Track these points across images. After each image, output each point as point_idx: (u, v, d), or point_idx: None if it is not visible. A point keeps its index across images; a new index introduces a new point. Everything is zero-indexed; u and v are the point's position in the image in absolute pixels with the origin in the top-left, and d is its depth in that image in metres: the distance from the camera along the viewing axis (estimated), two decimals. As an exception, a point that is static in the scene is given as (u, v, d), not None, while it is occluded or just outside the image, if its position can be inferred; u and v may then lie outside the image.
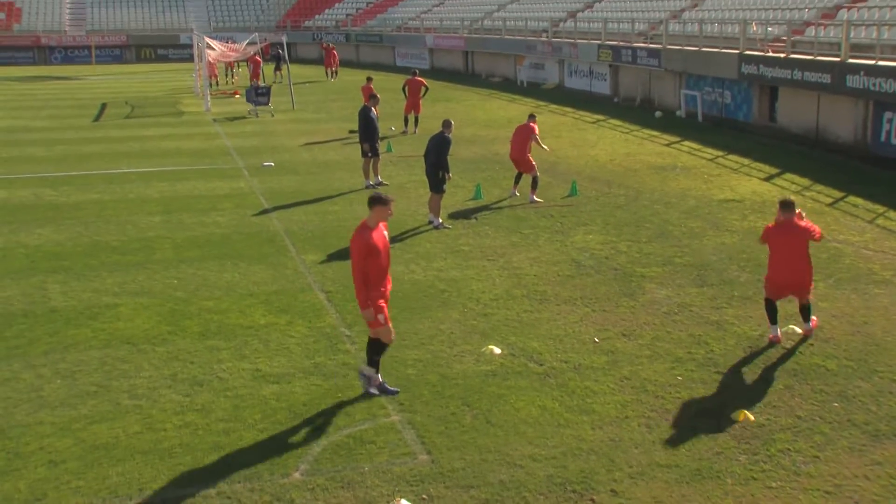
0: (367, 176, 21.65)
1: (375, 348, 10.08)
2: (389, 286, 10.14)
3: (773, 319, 11.39)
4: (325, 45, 57.96)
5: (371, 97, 21.86)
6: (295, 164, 24.67)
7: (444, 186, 17.57)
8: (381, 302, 9.83)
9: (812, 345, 11.21)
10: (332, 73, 53.03)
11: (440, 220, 17.57)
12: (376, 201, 9.80)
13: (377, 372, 10.08)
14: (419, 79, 30.54)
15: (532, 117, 20.33)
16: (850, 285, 13.55)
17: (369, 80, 28.39)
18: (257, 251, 16.00)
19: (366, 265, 9.64)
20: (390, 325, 10.00)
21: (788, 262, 11.21)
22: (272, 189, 21.38)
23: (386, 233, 9.98)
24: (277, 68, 52.24)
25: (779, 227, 11.30)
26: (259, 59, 46.39)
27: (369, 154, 21.30)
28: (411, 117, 30.46)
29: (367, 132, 21.08)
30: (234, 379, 10.49)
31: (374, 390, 9.99)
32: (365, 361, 10.27)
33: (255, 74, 46.51)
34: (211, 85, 49.06)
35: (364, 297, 9.71)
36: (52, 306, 13.12)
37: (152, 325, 12.34)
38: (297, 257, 15.57)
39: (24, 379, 10.55)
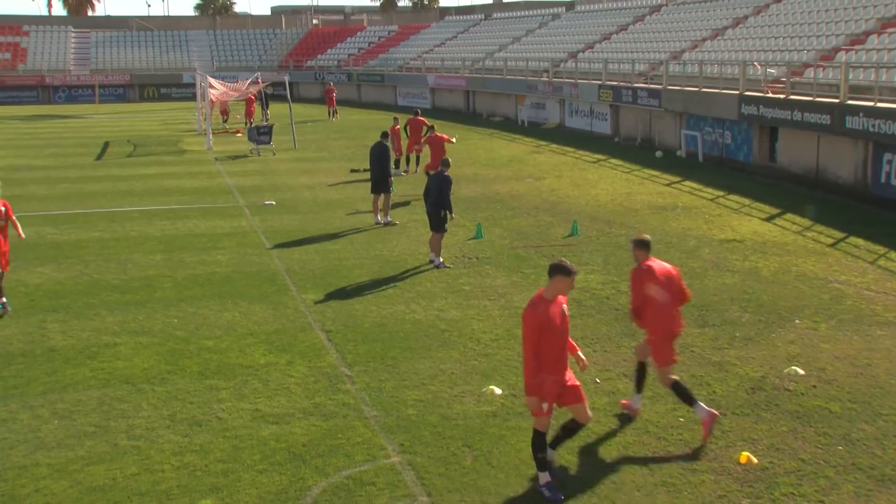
0: (377, 213, 21.78)
1: (539, 444, 8.67)
2: (568, 373, 8.78)
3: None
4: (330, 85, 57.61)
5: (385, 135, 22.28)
6: (296, 203, 24.72)
7: (446, 226, 17.57)
8: (554, 390, 8.59)
9: (815, 387, 11.14)
10: (332, 113, 53.18)
11: (441, 260, 17.56)
12: (558, 270, 8.56)
13: (545, 469, 8.69)
14: (421, 118, 30.65)
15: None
16: (853, 327, 13.49)
17: (396, 120, 29.56)
18: (258, 290, 15.97)
19: (539, 343, 8.38)
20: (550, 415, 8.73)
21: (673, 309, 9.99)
22: (273, 228, 21.40)
23: (566, 307, 8.79)
24: (265, 107, 52.32)
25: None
26: (253, 97, 46.81)
27: (386, 190, 21.42)
28: (412, 157, 30.56)
29: (386, 168, 21.35)
30: (234, 419, 10.42)
31: (546, 491, 8.61)
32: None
33: (248, 113, 47.23)
34: (225, 121, 49.42)
35: (533, 382, 8.43)
36: (51, 345, 13.08)
37: (152, 364, 12.28)
38: (298, 296, 15.54)
39: (21, 419, 10.48)
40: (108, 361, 12.38)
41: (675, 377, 9.98)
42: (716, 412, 9.77)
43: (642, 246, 10.05)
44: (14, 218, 15.06)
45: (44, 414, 10.63)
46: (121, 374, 11.88)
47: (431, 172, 20.63)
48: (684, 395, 9.83)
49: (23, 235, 15.80)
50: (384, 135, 22.15)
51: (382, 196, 21.59)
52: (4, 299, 14.77)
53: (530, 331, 8.38)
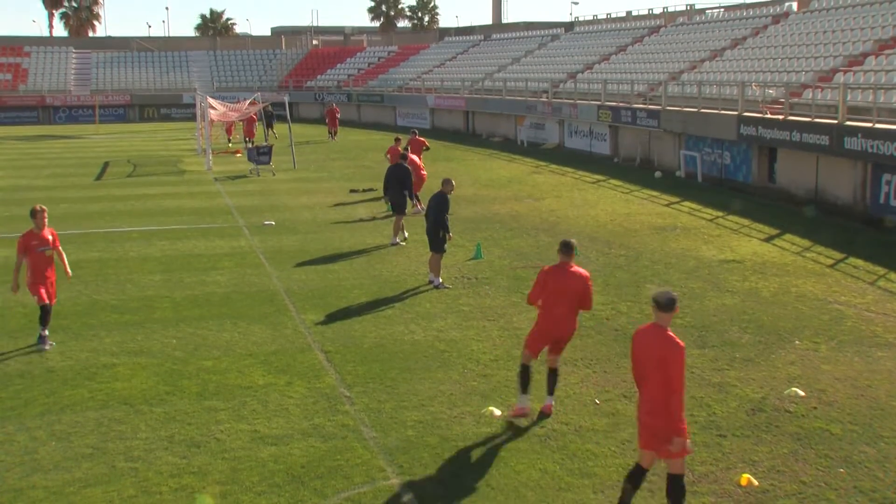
0: (396, 233, 21.86)
1: (681, 489, 8.34)
2: None
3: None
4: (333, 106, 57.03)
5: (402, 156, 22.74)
6: (295, 224, 24.72)
7: (445, 246, 17.56)
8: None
9: (816, 408, 11.11)
10: (332, 134, 53.15)
11: (440, 280, 17.54)
12: (675, 303, 8.48)
13: None
14: (419, 138, 30.71)
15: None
16: (853, 348, 13.46)
17: (397, 140, 29.34)
18: (257, 311, 15.95)
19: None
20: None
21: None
22: (273, 248, 21.39)
23: None
24: (269, 126, 52.59)
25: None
26: (255, 117, 47.02)
27: (400, 211, 21.69)
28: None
29: (408, 187, 21.75)
30: (232, 440, 10.37)
31: None
32: None
33: (248, 132, 47.50)
34: (229, 141, 49.57)
35: (682, 420, 8.16)
36: (49, 366, 13.04)
37: (150, 385, 12.24)
38: (297, 317, 15.51)
39: (18, 441, 10.44)
40: (106, 382, 12.34)
41: (526, 363, 11.00)
42: (527, 409, 10.81)
43: (564, 248, 11.38)
44: (60, 248, 14.26)
45: (41, 436, 10.58)
46: (119, 395, 11.84)
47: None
48: (522, 379, 10.91)
49: (70, 272, 14.60)
50: (403, 157, 22.55)
51: (395, 217, 21.86)
52: (46, 332, 13.91)
53: (681, 367, 8.16)
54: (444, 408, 11.31)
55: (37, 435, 10.60)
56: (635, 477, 8.50)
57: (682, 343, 8.19)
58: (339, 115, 54.38)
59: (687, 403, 11.21)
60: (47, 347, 13.76)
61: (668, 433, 8.09)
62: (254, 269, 19.22)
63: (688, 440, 8.21)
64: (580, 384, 12.10)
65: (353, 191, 30.81)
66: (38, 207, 13.87)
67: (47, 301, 13.82)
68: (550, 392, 11.11)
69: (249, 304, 16.37)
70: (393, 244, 21.43)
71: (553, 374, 11.15)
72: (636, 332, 8.73)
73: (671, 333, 8.24)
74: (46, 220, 13.92)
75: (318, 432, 10.58)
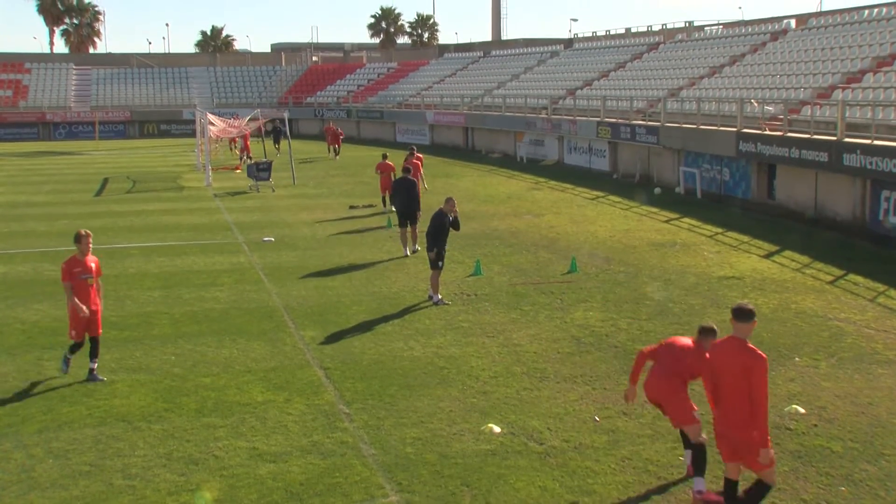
0: (405, 245, 22.34)
1: (763, 496, 8.56)
2: None
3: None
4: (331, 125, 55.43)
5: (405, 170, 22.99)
6: (295, 240, 24.71)
7: (440, 263, 17.56)
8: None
9: (816, 425, 11.07)
10: (334, 151, 51.80)
11: (440, 297, 17.52)
12: (754, 315, 8.40)
13: None
14: (418, 155, 30.63)
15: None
16: (853, 365, 13.43)
17: (384, 157, 29.95)
18: (256, 327, 15.92)
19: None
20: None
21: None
22: (272, 264, 21.37)
23: None
24: (276, 142, 52.72)
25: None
26: (248, 134, 47.47)
27: (413, 221, 22.24)
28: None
29: (416, 201, 22.19)
30: (231, 458, 10.33)
31: None
32: None
33: (244, 148, 48.09)
34: (233, 149, 49.72)
35: (767, 430, 8.24)
36: (47, 383, 12.99)
37: (148, 402, 12.20)
38: (296, 333, 15.48)
39: (15, 459, 10.38)
40: (104, 399, 12.30)
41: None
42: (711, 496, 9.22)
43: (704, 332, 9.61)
44: (100, 280, 13.38)
45: (38, 453, 10.53)
46: (117, 412, 11.80)
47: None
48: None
49: (97, 310, 13.35)
50: (406, 170, 22.80)
51: (410, 227, 22.30)
52: (95, 365, 13.15)
53: (767, 378, 8.22)
54: (443, 425, 11.27)
55: (34, 452, 10.55)
56: (729, 491, 8.59)
57: (764, 354, 8.22)
58: (342, 135, 53.34)
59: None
60: (66, 370, 13.12)
61: (754, 445, 8.17)
62: (253, 286, 19.19)
63: (771, 450, 8.30)
64: (580, 401, 12.06)
65: (352, 207, 30.82)
66: (83, 232, 13.02)
67: (82, 340, 13.08)
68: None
69: (248, 321, 16.34)
70: (414, 251, 22.17)
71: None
72: (712, 346, 8.76)
73: (752, 345, 8.26)
74: (91, 246, 13.10)
75: (317, 449, 10.54)
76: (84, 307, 12.82)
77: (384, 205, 30.18)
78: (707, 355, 8.84)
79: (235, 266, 21.28)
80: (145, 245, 24.14)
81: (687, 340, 9.63)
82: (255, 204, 32.55)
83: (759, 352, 8.18)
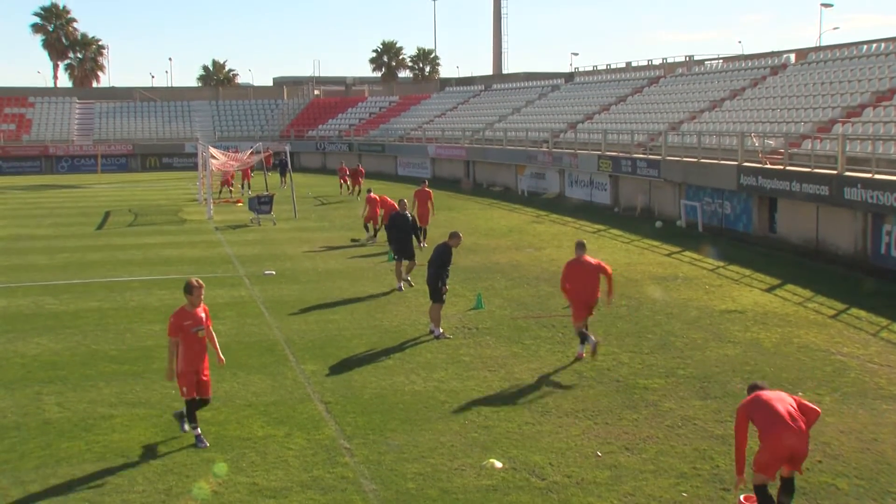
0: (399, 279, 22.19)
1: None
2: None
3: None
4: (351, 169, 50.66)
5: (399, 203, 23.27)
6: (296, 273, 24.69)
7: (444, 296, 17.52)
8: None
9: (821, 461, 10.98)
10: (354, 191, 48.28)
11: (441, 330, 17.47)
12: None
13: None
14: (427, 189, 30.62)
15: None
16: (857, 400, 13.35)
17: (369, 191, 30.62)
18: (257, 360, 15.86)
19: None
20: None
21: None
22: (273, 298, 21.33)
23: None
24: (283, 175, 52.85)
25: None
26: (250, 170, 47.96)
27: (410, 257, 22.09)
28: (424, 228, 30.11)
29: (410, 236, 22.16)
30: (231, 493, 10.24)
31: None
32: None
33: (245, 175, 49.18)
34: (230, 192, 49.59)
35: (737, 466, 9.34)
36: (46, 418, 12.92)
37: (148, 436, 12.12)
38: (297, 367, 15.42)
39: (12, 496, 10.30)
40: (103, 434, 12.22)
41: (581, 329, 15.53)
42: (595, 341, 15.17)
43: (579, 247, 15.83)
44: (212, 329, 12.15)
45: (35, 489, 10.44)
46: (116, 448, 11.72)
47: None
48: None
49: (222, 359, 12.44)
50: (401, 203, 22.87)
51: (406, 262, 22.10)
52: (199, 430, 11.88)
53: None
54: (444, 460, 11.19)
55: (31, 489, 10.46)
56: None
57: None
58: (363, 174, 49.63)
59: (689, 456, 11.14)
60: (204, 445, 11.69)
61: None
62: (254, 319, 19.15)
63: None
64: (581, 436, 11.98)
65: (354, 240, 30.83)
66: (195, 282, 11.88)
67: (195, 395, 11.79)
68: None
69: (249, 354, 16.28)
70: (399, 289, 21.82)
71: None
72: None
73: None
74: (203, 296, 11.99)
75: (318, 484, 10.46)
76: (174, 369, 11.66)
77: (366, 230, 30.99)
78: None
79: (236, 299, 21.25)
80: (146, 278, 24.12)
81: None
82: (256, 237, 32.57)
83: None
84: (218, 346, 12.23)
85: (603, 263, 15.81)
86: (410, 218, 22.68)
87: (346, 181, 49.43)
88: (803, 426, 9.00)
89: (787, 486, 9.33)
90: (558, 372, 14.96)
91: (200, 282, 11.98)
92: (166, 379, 12.09)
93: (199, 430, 11.81)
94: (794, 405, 9.16)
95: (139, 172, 73.44)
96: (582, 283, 15.50)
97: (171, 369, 11.75)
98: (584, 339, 15.53)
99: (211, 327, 12.07)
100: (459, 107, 71.22)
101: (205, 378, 11.87)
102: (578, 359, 15.52)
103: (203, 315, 11.86)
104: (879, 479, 10.47)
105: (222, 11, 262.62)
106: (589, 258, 15.71)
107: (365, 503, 9.95)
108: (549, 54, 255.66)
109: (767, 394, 9.32)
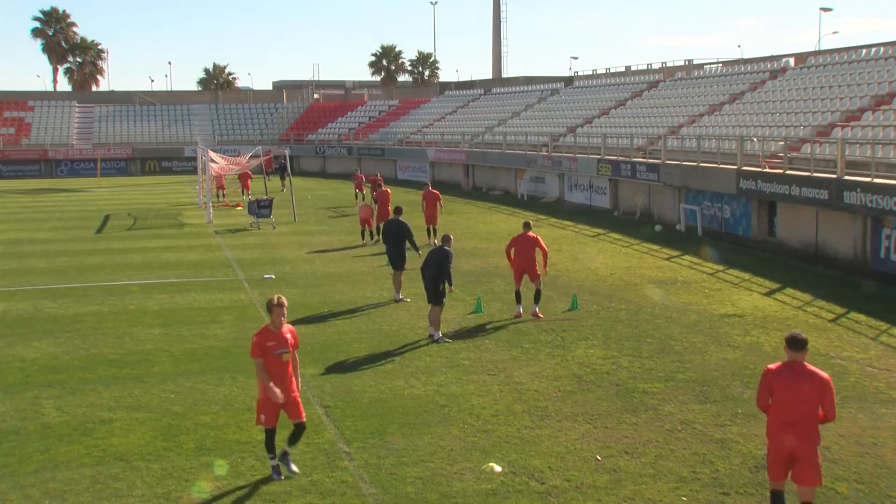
0: (398, 289, 21.46)
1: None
2: None
3: None
4: (369, 177, 47.66)
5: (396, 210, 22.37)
6: (296, 277, 24.69)
7: (444, 300, 17.52)
8: None
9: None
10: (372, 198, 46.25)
11: (440, 334, 17.46)
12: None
13: None
14: (434, 191, 30.75)
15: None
16: (857, 404, 13.34)
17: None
18: (256, 365, 15.80)
19: None
20: None
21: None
22: (272, 301, 21.26)
23: None
24: (283, 178, 52.88)
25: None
26: (249, 172, 47.75)
27: (399, 267, 21.32)
28: (431, 229, 30.07)
29: (402, 245, 21.39)
30: (230, 497, 10.23)
31: None
32: None
33: (244, 185, 49.02)
34: (224, 195, 49.55)
35: None
36: (45, 422, 12.90)
37: (147, 440, 12.11)
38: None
39: (11, 500, 10.28)
40: (103, 438, 12.21)
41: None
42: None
43: (525, 226, 19.56)
44: (296, 353, 11.09)
45: (35, 494, 10.42)
46: (115, 452, 11.71)
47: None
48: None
49: (299, 387, 11.09)
50: (398, 210, 22.14)
51: (396, 273, 21.43)
52: (276, 461, 10.87)
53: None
54: (444, 464, 11.18)
55: (30, 493, 10.44)
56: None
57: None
58: (381, 183, 41.55)
59: (689, 460, 11.13)
60: (279, 478, 10.75)
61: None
62: (254, 323, 19.11)
63: None
64: (581, 439, 11.98)
65: (360, 245, 30.83)
66: (275, 299, 10.79)
67: (275, 425, 10.82)
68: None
69: (249, 359, 16.20)
70: (396, 300, 21.20)
71: None
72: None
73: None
74: (286, 314, 10.95)
75: (317, 488, 10.44)
76: (278, 391, 10.57)
77: (362, 237, 30.82)
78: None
79: (236, 303, 21.24)
80: (146, 282, 24.11)
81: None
82: (255, 241, 32.56)
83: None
84: (298, 374, 11.10)
85: (541, 240, 19.32)
86: (400, 224, 21.56)
87: (361, 190, 46.62)
88: None
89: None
90: (558, 376, 14.95)
91: (282, 299, 10.83)
92: (274, 399, 10.66)
93: (276, 461, 10.85)
94: None
95: (138, 176, 73.46)
96: (519, 252, 19.23)
97: (274, 392, 10.57)
98: (518, 299, 19.31)
99: (296, 350, 11.01)
100: (459, 111, 71.27)
101: (293, 400, 10.76)
102: (517, 317, 19.06)
103: (289, 336, 10.82)
104: (879, 484, 10.46)
105: (222, 15, 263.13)
106: (531, 234, 19.38)
107: (364, 507, 9.93)
108: (549, 58, 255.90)
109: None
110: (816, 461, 8.64)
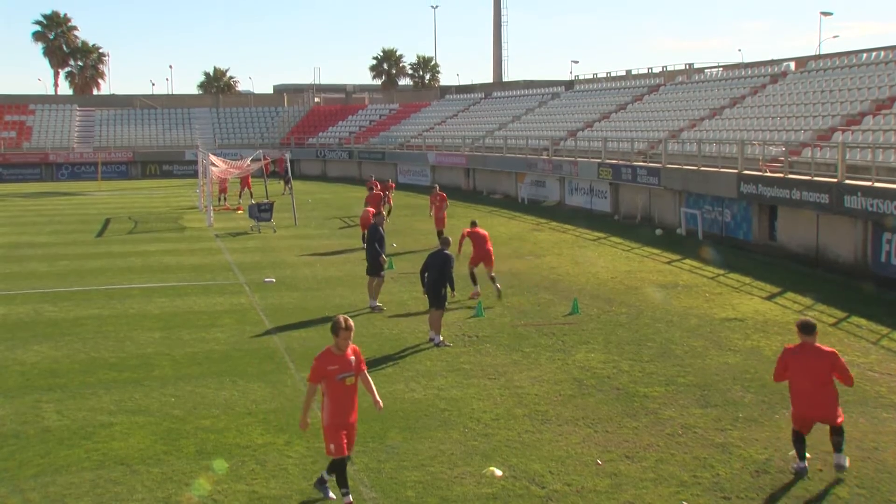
0: (373, 296, 21.07)
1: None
2: None
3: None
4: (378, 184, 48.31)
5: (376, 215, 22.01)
6: (296, 280, 24.68)
7: (445, 303, 17.51)
8: None
9: (821, 470, 10.96)
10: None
11: (441, 338, 17.45)
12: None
13: None
14: (441, 193, 30.85)
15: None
16: (858, 408, 13.32)
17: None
18: (257, 368, 15.84)
19: None
20: None
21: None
22: (273, 305, 21.32)
23: None
24: (286, 182, 52.82)
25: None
26: (250, 177, 48.05)
27: (375, 273, 20.85)
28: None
29: (375, 250, 20.76)
30: (230, 502, 10.22)
31: None
32: None
33: (245, 185, 49.11)
34: (220, 200, 49.44)
35: None
36: (45, 426, 12.90)
37: (147, 444, 12.11)
38: (297, 374, 15.39)
39: None
40: (103, 442, 12.20)
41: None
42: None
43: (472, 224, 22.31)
44: (367, 372, 10.65)
45: (35, 498, 10.41)
46: (115, 455, 11.70)
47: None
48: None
49: (380, 403, 10.66)
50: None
51: (372, 279, 21.03)
52: (350, 497, 10.01)
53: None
54: (444, 468, 11.17)
55: (30, 497, 10.44)
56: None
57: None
58: (392, 188, 43.41)
59: (690, 464, 11.12)
60: (332, 496, 10.31)
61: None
62: (254, 327, 19.13)
63: None
64: (581, 444, 11.96)
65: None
66: (342, 322, 10.14)
67: (346, 453, 10.11)
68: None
69: (249, 362, 16.26)
70: (374, 307, 20.77)
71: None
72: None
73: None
74: (352, 337, 10.31)
75: (317, 493, 10.42)
76: (309, 421, 10.35)
77: (363, 240, 30.41)
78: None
79: (236, 307, 21.23)
80: (146, 286, 24.10)
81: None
82: (256, 244, 32.56)
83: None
84: (375, 391, 10.70)
85: (487, 235, 22.42)
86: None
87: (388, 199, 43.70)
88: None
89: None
90: (558, 380, 14.94)
91: (350, 322, 10.17)
92: (300, 427, 10.46)
93: (350, 498, 9.94)
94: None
95: (139, 180, 73.41)
96: (475, 244, 22.18)
97: (305, 419, 10.29)
98: (475, 281, 22.08)
99: (366, 371, 10.55)
100: (459, 114, 71.25)
101: (351, 428, 10.27)
102: (473, 297, 21.55)
103: (353, 359, 10.23)
104: (881, 488, 10.44)
105: (223, 19, 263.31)
106: (480, 229, 22.46)
107: (364, 511, 9.91)
108: (549, 62, 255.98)
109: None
110: (834, 413, 10.76)
